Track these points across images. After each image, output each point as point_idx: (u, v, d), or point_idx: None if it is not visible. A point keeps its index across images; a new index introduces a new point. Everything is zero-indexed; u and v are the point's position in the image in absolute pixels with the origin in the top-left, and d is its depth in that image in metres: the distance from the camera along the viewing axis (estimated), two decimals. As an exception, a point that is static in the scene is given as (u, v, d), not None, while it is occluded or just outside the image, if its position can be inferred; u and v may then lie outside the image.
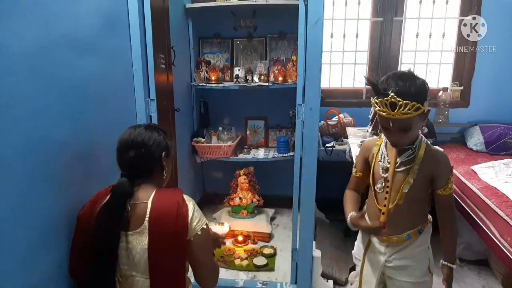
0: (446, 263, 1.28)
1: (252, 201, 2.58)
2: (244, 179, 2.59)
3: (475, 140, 2.70)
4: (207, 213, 2.75)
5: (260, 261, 2.17)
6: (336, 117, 2.88)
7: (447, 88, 2.85)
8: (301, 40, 1.59)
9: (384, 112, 1.10)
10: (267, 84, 2.50)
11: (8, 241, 0.94)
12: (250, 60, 2.77)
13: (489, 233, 1.81)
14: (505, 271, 2.04)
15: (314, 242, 1.88)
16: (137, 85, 1.68)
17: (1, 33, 0.91)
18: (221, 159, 2.67)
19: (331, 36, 2.97)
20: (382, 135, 1.29)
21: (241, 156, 2.70)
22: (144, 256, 1.05)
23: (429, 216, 1.32)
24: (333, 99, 2.99)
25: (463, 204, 2.12)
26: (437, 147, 1.28)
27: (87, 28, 1.31)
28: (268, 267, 2.15)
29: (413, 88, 1.08)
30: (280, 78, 2.51)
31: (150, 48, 1.70)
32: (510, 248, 1.62)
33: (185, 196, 1.11)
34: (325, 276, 2.05)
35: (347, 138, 2.61)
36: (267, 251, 2.28)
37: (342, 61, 3.03)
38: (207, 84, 2.59)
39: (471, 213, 2.03)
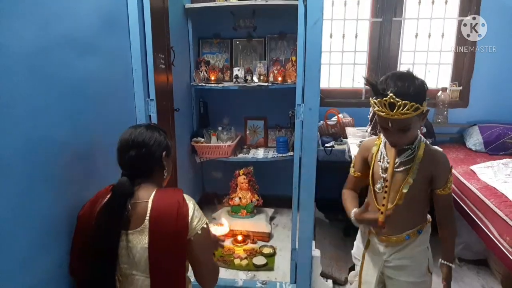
0: (445, 262, 1.29)
1: (251, 201, 2.59)
2: (244, 179, 2.59)
3: (474, 140, 2.71)
4: (207, 213, 2.75)
5: (259, 260, 2.18)
6: (336, 117, 2.88)
7: (446, 88, 2.85)
8: (301, 40, 1.60)
9: (383, 112, 1.10)
10: (266, 84, 2.50)
11: (8, 241, 0.94)
12: (250, 60, 2.77)
13: (488, 233, 1.81)
14: (504, 270, 2.04)
15: (313, 242, 1.88)
16: (137, 85, 1.68)
17: (1, 33, 0.91)
18: (220, 159, 2.68)
19: (331, 36, 2.97)
20: (381, 135, 1.29)
21: (240, 156, 2.71)
22: (144, 255, 1.05)
23: (428, 216, 1.32)
24: (333, 99, 2.99)
25: (462, 204, 2.12)
26: (436, 147, 1.29)
27: (86, 28, 1.31)
28: (268, 266, 2.15)
29: (412, 88, 1.09)
30: (280, 78, 2.52)
31: (150, 48, 1.70)
32: (509, 247, 1.63)
33: (185, 196, 1.11)
34: (324, 275, 2.05)
35: (346, 138, 2.61)
36: (266, 250, 2.29)
37: (341, 61, 3.03)
38: (207, 84, 2.60)
39: (470, 213, 2.03)
